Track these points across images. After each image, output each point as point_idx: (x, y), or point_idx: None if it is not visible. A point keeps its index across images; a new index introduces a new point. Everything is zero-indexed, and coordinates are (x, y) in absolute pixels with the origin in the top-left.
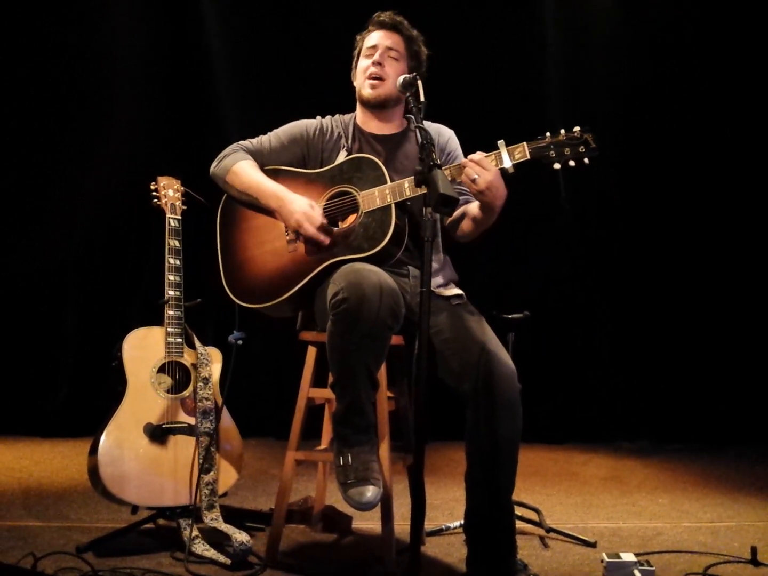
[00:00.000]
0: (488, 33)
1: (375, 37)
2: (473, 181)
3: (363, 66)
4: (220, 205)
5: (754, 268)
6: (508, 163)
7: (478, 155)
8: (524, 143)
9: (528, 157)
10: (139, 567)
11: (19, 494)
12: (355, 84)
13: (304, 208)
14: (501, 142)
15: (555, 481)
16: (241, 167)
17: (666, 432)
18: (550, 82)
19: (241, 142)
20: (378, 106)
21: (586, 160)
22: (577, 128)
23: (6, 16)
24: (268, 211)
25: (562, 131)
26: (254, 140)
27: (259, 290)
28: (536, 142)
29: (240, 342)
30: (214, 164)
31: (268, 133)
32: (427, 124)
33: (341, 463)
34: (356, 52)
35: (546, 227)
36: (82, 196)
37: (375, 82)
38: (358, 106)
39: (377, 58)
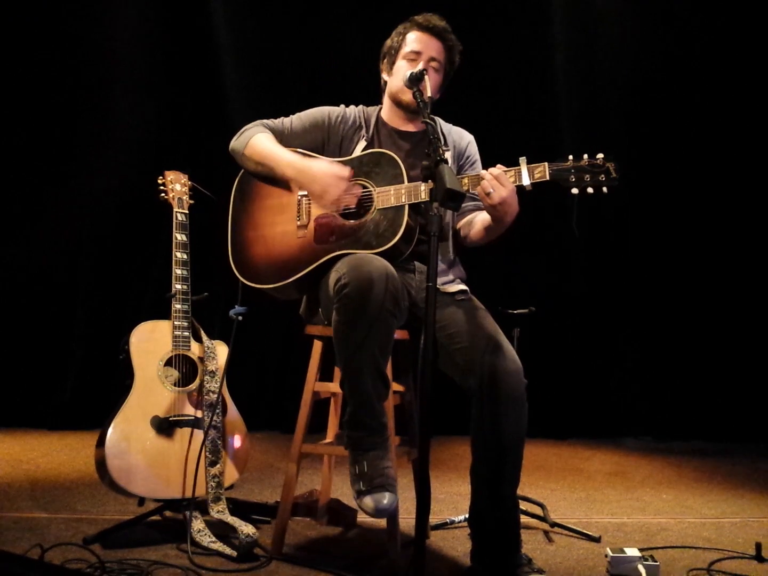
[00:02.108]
0: (493, 34)
1: (419, 42)
2: (488, 194)
3: (403, 70)
4: (237, 180)
5: (755, 270)
6: (526, 181)
7: (498, 170)
8: (545, 163)
9: (547, 177)
10: (145, 559)
11: (27, 486)
12: (386, 77)
13: (325, 170)
14: (522, 159)
15: (559, 476)
16: (258, 139)
17: (670, 428)
18: (557, 86)
19: (262, 120)
20: (414, 111)
21: (605, 189)
22: (600, 155)
23: (9, 14)
24: (284, 185)
25: (585, 156)
26: (276, 120)
27: (264, 271)
28: (558, 163)
29: (240, 318)
30: (234, 139)
31: (291, 116)
32: (449, 127)
33: (356, 471)
34: (393, 45)
35: (551, 223)
36: (91, 191)
37: None
38: (386, 101)
39: (422, 68)
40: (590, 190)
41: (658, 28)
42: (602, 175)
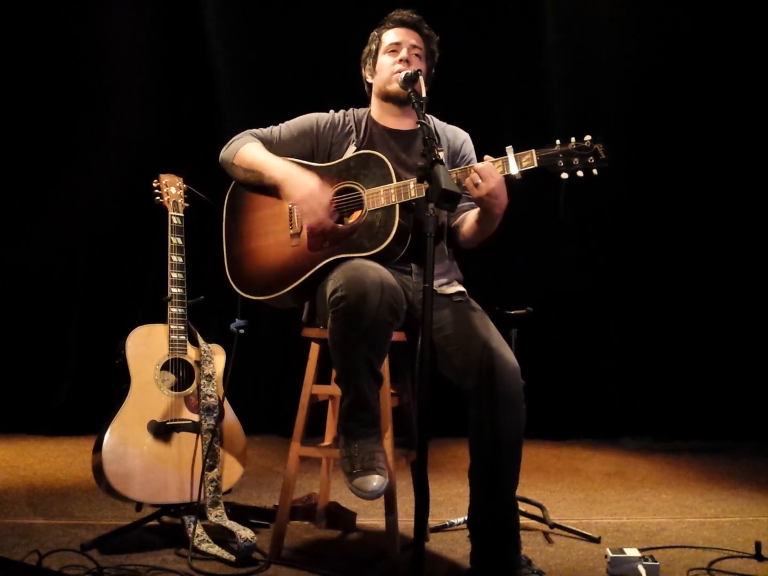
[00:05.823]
0: (491, 34)
1: (397, 35)
2: (476, 185)
3: (387, 63)
4: (228, 194)
5: (754, 269)
6: (515, 170)
7: (485, 162)
8: (533, 150)
9: (535, 165)
10: (143, 564)
11: (24, 492)
12: (370, 80)
13: (312, 184)
14: (509, 148)
15: (559, 476)
16: (248, 148)
17: (670, 428)
18: (551, 78)
19: (251, 130)
20: (403, 102)
21: (594, 171)
22: (587, 137)
23: (9, 14)
24: (274, 193)
25: (573, 140)
26: (265, 129)
27: (261, 283)
28: (545, 149)
29: (242, 331)
30: (223, 149)
31: (279, 124)
32: (443, 126)
33: (347, 454)
34: (371, 48)
35: (548, 223)
36: (90, 191)
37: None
38: (375, 101)
39: (405, 55)
40: (580, 173)
41: (658, 27)
42: (591, 158)
